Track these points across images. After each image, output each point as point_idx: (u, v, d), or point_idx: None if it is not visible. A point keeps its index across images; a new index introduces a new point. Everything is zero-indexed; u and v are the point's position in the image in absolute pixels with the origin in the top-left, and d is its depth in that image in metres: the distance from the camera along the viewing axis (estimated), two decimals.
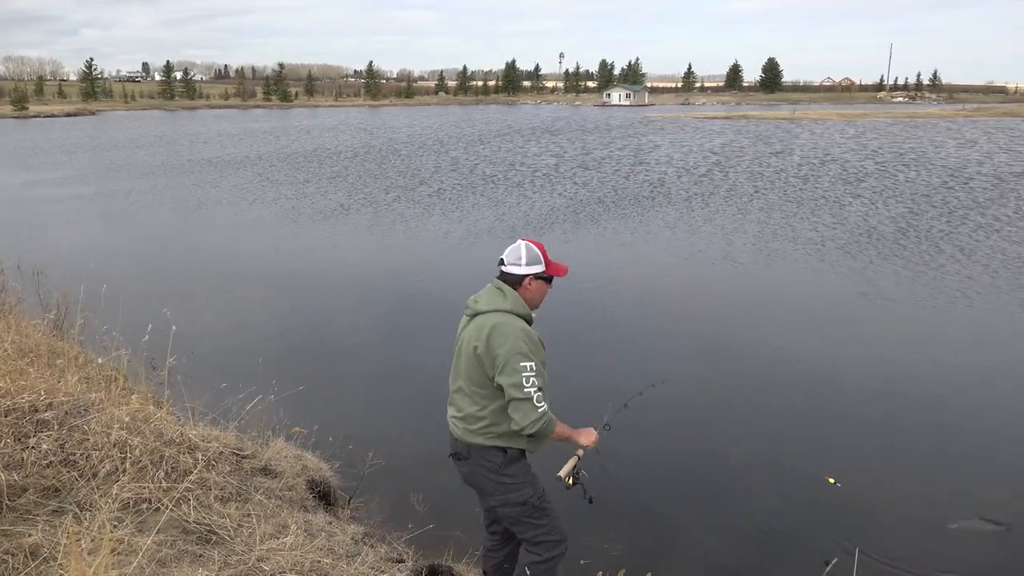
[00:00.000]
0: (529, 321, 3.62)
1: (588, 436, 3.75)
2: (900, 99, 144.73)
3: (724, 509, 5.89)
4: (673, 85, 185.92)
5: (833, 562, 4.22)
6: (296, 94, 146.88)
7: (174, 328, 5.37)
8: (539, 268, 3.63)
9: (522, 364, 3.40)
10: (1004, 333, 10.20)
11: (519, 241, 3.68)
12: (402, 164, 33.04)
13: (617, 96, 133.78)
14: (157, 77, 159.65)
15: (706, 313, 11.22)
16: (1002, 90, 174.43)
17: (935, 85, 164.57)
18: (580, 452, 3.77)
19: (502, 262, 3.65)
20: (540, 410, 3.42)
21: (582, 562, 4.39)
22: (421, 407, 7.52)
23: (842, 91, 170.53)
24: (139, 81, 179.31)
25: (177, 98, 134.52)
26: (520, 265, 3.60)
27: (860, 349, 9.57)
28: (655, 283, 12.90)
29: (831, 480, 5.91)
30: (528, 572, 3.68)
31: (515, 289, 3.61)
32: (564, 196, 22.68)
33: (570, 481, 3.71)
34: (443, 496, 5.62)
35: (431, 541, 4.91)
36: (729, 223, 18.04)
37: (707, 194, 22.78)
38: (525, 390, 3.39)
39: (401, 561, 4.43)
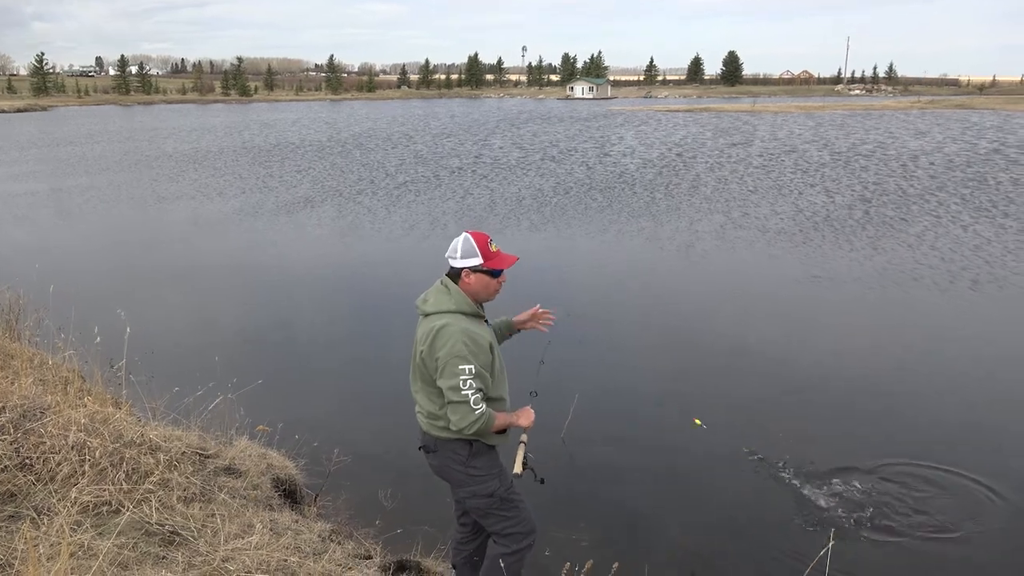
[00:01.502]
0: (478, 316, 3.58)
1: (527, 416, 3.69)
2: (857, 92, 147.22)
3: (690, 498, 5.96)
4: (635, 78, 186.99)
5: (830, 545, 4.29)
6: (256, 88, 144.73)
7: (129, 329, 5.26)
8: (474, 261, 3.51)
9: (460, 367, 3.37)
10: (948, 311, 10.56)
11: (461, 233, 3.59)
12: (366, 157, 32.77)
13: (580, 89, 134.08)
14: (111, 72, 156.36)
15: (667, 298, 11.33)
16: (955, 83, 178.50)
17: (891, 78, 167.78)
18: (524, 438, 3.77)
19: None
20: (477, 412, 3.40)
21: (547, 553, 4.41)
22: (386, 403, 7.49)
23: (801, 84, 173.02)
24: (93, 76, 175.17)
25: (133, 93, 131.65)
26: (456, 258, 3.53)
27: (815, 331, 9.82)
28: (619, 271, 12.97)
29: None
30: (498, 565, 3.68)
31: (456, 282, 3.55)
32: (530, 188, 22.69)
33: (520, 469, 3.68)
34: (410, 491, 5.61)
35: (399, 536, 4.90)
36: (693, 212, 18.22)
37: (670, 185, 22.96)
38: (462, 392, 3.38)
39: (369, 557, 4.40)
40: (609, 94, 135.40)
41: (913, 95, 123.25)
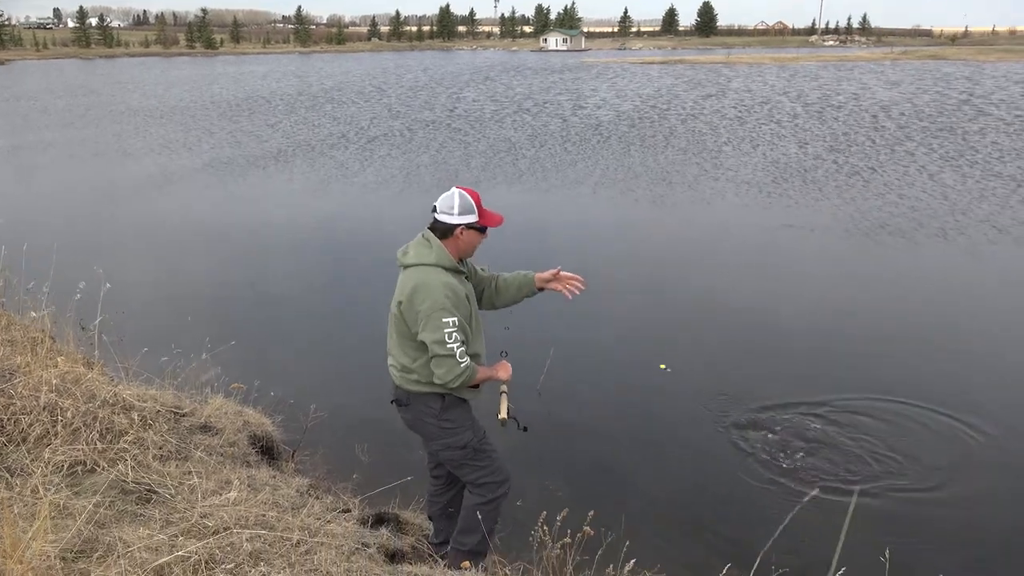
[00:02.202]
0: (458, 271, 3.59)
1: (505, 370, 3.80)
2: (831, 43, 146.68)
3: (665, 448, 6.06)
4: (609, 30, 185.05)
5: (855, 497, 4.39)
6: (221, 41, 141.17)
7: (108, 285, 5.17)
8: (472, 218, 3.56)
9: (444, 320, 3.40)
10: (915, 258, 10.93)
11: (453, 189, 3.60)
12: (338, 111, 32.25)
13: (554, 41, 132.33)
14: (70, 24, 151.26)
15: (641, 250, 11.42)
16: (927, 33, 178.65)
17: (864, 29, 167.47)
18: (504, 388, 3.83)
19: (435, 209, 3.59)
20: (463, 365, 3.45)
21: (518, 503, 4.48)
22: (362, 358, 7.49)
23: (775, 35, 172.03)
24: (51, 28, 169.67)
25: (94, 46, 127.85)
26: (452, 215, 3.54)
27: (787, 279, 10.09)
28: (594, 223, 12.98)
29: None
30: (475, 514, 3.75)
31: (447, 237, 3.56)
32: (505, 141, 22.51)
33: (506, 415, 3.76)
34: (387, 445, 5.65)
35: (377, 490, 4.95)
36: (667, 164, 18.23)
37: (645, 137, 22.90)
38: (448, 346, 3.41)
39: (347, 511, 4.45)
40: (583, 46, 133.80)
41: (886, 46, 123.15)
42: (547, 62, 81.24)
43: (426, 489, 4.26)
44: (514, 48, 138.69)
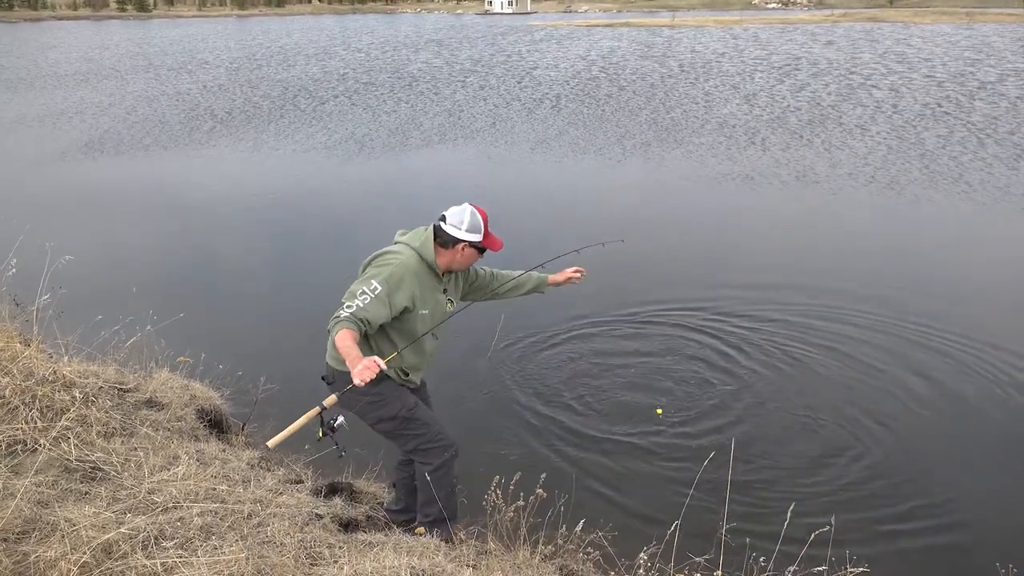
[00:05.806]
0: (433, 273, 3.69)
1: (360, 370, 3.14)
2: (773, 5, 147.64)
3: (615, 409, 6.14)
4: None
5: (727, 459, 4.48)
6: (155, 3, 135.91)
7: (48, 261, 5.00)
8: (476, 237, 3.68)
9: (371, 282, 3.47)
10: (847, 206, 11.77)
11: (465, 205, 3.70)
12: (284, 75, 31.42)
13: (499, 4, 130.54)
14: None
15: (590, 209, 11.56)
16: None
17: None
18: (329, 400, 3.50)
19: (443, 218, 3.68)
20: (342, 314, 3.39)
21: (481, 470, 4.52)
22: (311, 329, 7.34)
23: None
24: None
25: (17, 8, 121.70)
26: (460, 230, 3.64)
27: (731, 218, 11.07)
28: (547, 183, 13.00)
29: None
30: (428, 483, 3.78)
31: (447, 247, 3.67)
32: (455, 104, 22.24)
33: (320, 434, 3.55)
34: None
35: (329, 460, 4.90)
36: (617, 127, 18.32)
37: (598, 99, 22.93)
38: (356, 298, 3.42)
39: (300, 482, 4.43)
40: (529, 8, 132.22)
41: (827, 8, 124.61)
42: (493, 25, 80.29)
43: (396, 457, 4.27)
44: (459, 11, 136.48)
